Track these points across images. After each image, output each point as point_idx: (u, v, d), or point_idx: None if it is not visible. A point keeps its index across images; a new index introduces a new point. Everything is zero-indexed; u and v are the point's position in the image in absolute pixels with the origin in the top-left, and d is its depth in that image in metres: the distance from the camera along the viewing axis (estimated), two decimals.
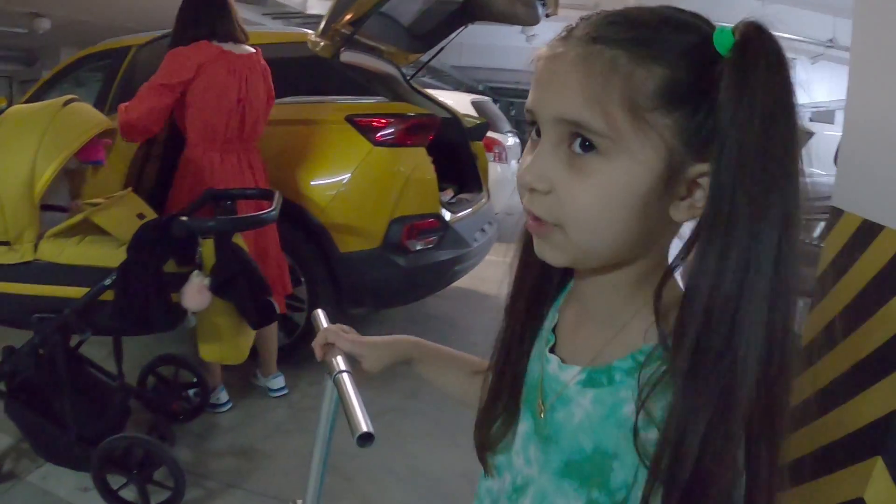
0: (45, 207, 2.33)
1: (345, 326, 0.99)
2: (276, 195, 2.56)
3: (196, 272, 2.25)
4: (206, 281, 2.25)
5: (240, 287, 2.32)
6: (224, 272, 2.28)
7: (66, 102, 2.35)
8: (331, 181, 3.33)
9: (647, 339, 0.62)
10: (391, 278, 3.36)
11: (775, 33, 0.55)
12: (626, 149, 0.57)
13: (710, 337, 0.54)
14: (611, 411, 0.64)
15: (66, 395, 2.24)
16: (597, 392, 0.65)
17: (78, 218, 2.34)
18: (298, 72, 3.70)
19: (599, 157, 0.58)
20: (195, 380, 2.86)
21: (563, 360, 0.71)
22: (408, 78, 4.33)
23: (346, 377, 0.88)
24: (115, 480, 2.28)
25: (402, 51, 4.13)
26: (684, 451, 0.54)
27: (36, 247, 2.21)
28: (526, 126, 0.66)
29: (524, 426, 0.76)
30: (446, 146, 3.93)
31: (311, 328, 1.05)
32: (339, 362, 0.91)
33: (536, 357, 0.76)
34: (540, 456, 0.72)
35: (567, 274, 0.76)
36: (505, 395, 0.79)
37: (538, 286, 0.77)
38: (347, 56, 3.45)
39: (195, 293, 2.21)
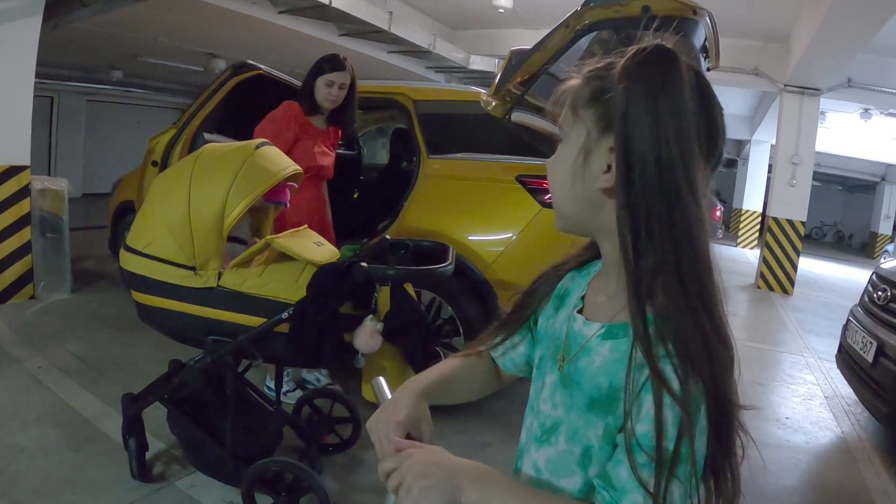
0: (228, 239, 2.49)
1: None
2: (451, 249, 2.64)
3: (370, 316, 2.34)
4: (379, 325, 2.33)
5: (410, 334, 2.39)
6: (397, 319, 2.36)
7: (259, 146, 2.52)
8: (498, 238, 3.39)
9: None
10: None
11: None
12: (568, 137, 0.88)
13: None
14: (622, 356, 0.81)
15: (229, 414, 2.37)
16: (613, 343, 0.84)
17: (261, 244, 2.48)
18: (470, 129, 3.81)
19: (560, 144, 0.90)
20: (349, 415, 2.93)
21: (587, 319, 0.91)
22: None
23: None
24: (261, 499, 2.36)
25: None
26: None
27: (219, 275, 2.36)
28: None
29: (552, 377, 0.93)
30: None
31: None
32: None
33: (564, 319, 0.95)
34: (566, 399, 0.89)
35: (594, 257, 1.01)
36: (511, 323, 1.07)
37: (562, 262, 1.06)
38: (518, 116, 3.51)
39: (368, 336, 2.30)
